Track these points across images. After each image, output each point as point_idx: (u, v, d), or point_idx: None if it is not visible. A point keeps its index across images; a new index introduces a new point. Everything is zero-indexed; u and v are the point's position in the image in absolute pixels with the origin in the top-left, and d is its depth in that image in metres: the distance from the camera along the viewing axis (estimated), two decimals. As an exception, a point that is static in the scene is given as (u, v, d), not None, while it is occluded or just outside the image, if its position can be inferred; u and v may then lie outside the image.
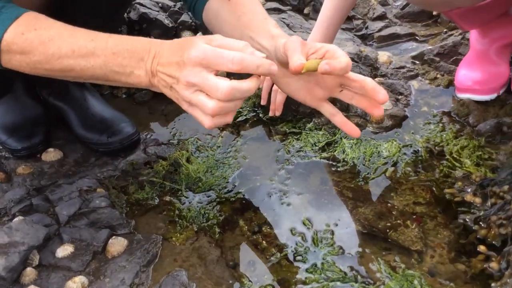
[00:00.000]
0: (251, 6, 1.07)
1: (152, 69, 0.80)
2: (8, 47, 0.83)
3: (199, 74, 0.75)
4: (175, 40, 0.82)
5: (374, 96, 0.86)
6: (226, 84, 0.74)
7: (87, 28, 1.05)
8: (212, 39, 0.78)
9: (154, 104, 1.53)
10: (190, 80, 0.76)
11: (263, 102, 1.38)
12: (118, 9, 1.25)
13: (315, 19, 1.39)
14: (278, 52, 0.93)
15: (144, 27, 1.60)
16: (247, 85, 0.76)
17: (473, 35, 1.39)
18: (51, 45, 0.83)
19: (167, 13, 1.66)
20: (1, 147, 1.26)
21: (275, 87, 1.32)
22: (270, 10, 1.80)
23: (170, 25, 1.60)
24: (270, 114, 1.36)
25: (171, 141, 1.35)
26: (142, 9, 1.61)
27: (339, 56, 0.84)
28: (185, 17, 1.62)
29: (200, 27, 1.57)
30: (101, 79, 0.85)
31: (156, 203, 1.15)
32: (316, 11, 1.81)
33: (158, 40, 0.84)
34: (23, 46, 0.83)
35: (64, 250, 0.96)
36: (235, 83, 0.75)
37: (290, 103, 1.36)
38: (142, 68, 0.81)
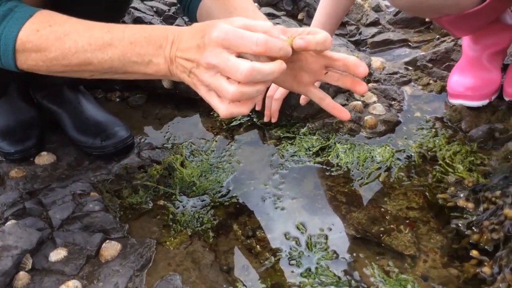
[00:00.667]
0: (241, 2, 1.07)
1: (171, 55, 0.78)
2: (23, 46, 0.82)
3: (219, 55, 0.72)
4: (195, 24, 0.80)
5: (355, 70, 0.85)
6: (247, 65, 0.71)
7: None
8: (234, 20, 0.76)
9: (148, 108, 1.53)
10: (211, 62, 0.73)
11: (258, 107, 1.39)
12: (116, 13, 1.25)
13: (309, 24, 1.40)
14: None
15: (139, 31, 1.60)
16: (270, 67, 0.73)
17: (466, 41, 1.40)
18: (67, 39, 0.81)
19: (161, 18, 1.66)
20: (-6, 151, 1.25)
21: (269, 93, 1.33)
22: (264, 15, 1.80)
23: (165, 29, 1.60)
24: (265, 119, 1.37)
25: (165, 145, 1.35)
26: (137, 13, 1.61)
27: (317, 33, 0.82)
28: (179, 21, 1.62)
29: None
30: (119, 71, 0.84)
31: (150, 207, 1.14)
32: (310, 16, 1.83)
33: (175, 26, 0.82)
34: (39, 43, 0.82)
35: (57, 254, 0.95)
36: (257, 64, 0.72)
37: (285, 108, 1.37)
38: (161, 55, 0.79)
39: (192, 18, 1.16)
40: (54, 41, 0.82)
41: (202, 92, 0.78)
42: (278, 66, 0.74)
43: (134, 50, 0.80)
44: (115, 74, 0.85)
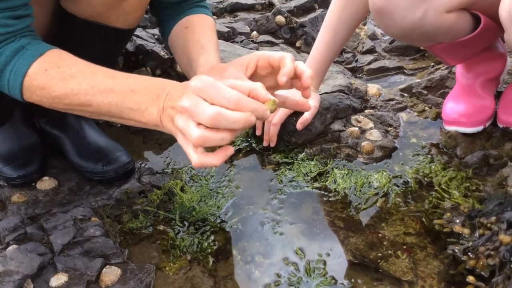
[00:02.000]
0: (197, 35, 1.15)
1: (164, 105, 0.82)
2: (30, 82, 0.88)
3: (192, 98, 0.76)
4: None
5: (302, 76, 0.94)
6: (213, 109, 0.74)
7: (87, 59, 1.08)
8: (225, 78, 0.81)
9: (148, 133, 1.55)
10: (184, 105, 0.77)
11: (258, 132, 1.41)
12: (120, 44, 1.28)
13: (307, 52, 1.44)
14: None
15: (140, 58, 1.64)
16: (237, 116, 0.75)
17: (459, 69, 1.44)
18: (72, 81, 0.86)
19: (163, 45, 1.70)
20: (-4, 176, 1.26)
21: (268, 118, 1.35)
22: (263, 43, 1.85)
23: (166, 56, 1.64)
24: (264, 144, 1.39)
25: (165, 170, 1.37)
26: (139, 41, 1.65)
27: (285, 64, 0.90)
28: (180, 48, 1.65)
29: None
30: (116, 116, 0.88)
31: (150, 232, 1.15)
32: (308, 44, 1.87)
33: (176, 82, 0.86)
34: (44, 82, 0.87)
35: (58, 279, 0.96)
36: (224, 110, 0.74)
37: (283, 134, 1.39)
38: (156, 105, 0.83)
39: (165, 41, 1.25)
40: (59, 81, 0.87)
41: (179, 140, 0.81)
42: (245, 116, 0.75)
43: (133, 98, 0.84)
44: (112, 118, 0.90)
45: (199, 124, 0.76)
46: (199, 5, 1.25)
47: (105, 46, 1.18)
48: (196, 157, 0.79)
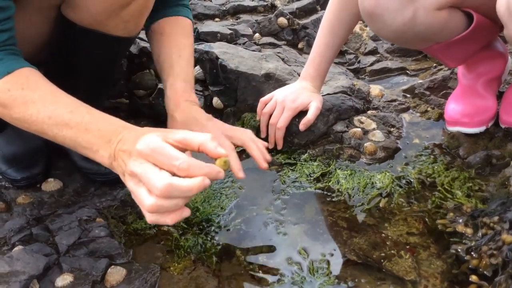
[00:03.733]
0: (169, 48, 1.23)
1: (115, 152, 0.81)
2: None
3: (141, 165, 0.75)
4: (144, 128, 0.83)
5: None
6: (164, 181, 0.72)
7: (88, 66, 1.09)
8: (174, 132, 0.79)
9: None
10: (133, 170, 0.75)
11: (262, 135, 1.42)
12: (121, 50, 1.29)
13: (309, 53, 1.44)
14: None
15: (144, 60, 1.65)
16: (189, 184, 0.73)
17: (460, 70, 1.44)
18: (32, 107, 0.87)
19: (166, 47, 1.70)
20: (1, 177, 1.27)
21: (272, 121, 1.36)
22: (265, 45, 1.85)
23: (169, 58, 1.64)
24: (270, 146, 1.40)
25: (169, 171, 1.37)
26: (142, 43, 1.66)
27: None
28: (183, 50, 1.66)
29: (198, 61, 1.62)
30: (69, 147, 0.89)
31: (154, 232, 1.16)
32: (310, 45, 1.87)
33: (134, 127, 0.85)
34: (6, 102, 0.88)
35: (63, 280, 0.97)
36: (175, 180, 0.72)
37: (286, 135, 1.40)
38: (107, 150, 0.83)
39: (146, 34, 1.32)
40: (20, 105, 0.87)
41: (132, 196, 0.81)
42: (198, 183, 0.73)
43: (86, 137, 0.85)
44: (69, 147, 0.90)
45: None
46: (180, 3, 1.29)
47: (105, 54, 1.19)
48: (148, 215, 0.77)
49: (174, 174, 0.74)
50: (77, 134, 0.85)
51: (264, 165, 1.16)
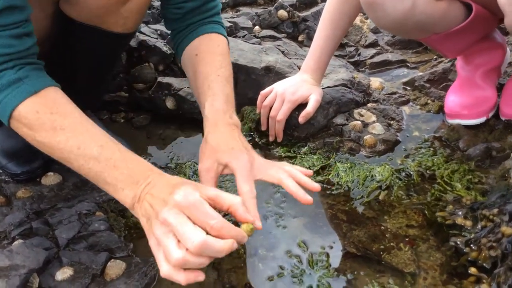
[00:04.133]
0: (205, 68, 1.13)
1: (140, 194, 0.81)
2: (18, 117, 0.87)
3: (177, 216, 0.75)
4: (175, 177, 0.84)
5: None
6: (201, 237, 0.72)
7: (88, 62, 1.09)
8: (207, 189, 0.79)
9: (152, 129, 1.56)
10: (167, 219, 0.75)
11: (263, 127, 1.42)
12: (120, 46, 1.29)
13: (309, 46, 1.43)
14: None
15: (143, 53, 1.64)
16: (221, 246, 0.74)
17: (459, 62, 1.44)
18: (61, 134, 0.86)
19: (165, 40, 1.70)
20: (1, 171, 1.27)
21: (272, 114, 1.36)
22: (265, 38, 1.85)
23: (168, 52, 1.64)
24: (270, 139, 1.40)
25: (168, 165, 1.37)
26: (141, 37, 1.65)
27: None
28: (182, 44, 1.66)
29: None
30: (90, 179, 0.88)
31: (154, 226, 1.16)
32: (310, 38, 1.87)
33: (162, 172, 0.85)
34: (33, 124, 0.86)
35: (63, 273, 0.97)
36: (210, 238, 0.73)
37: (286, 128, 1.39)
38: (133, 190, 0.83)
39: (178, 60, 1.24)
40: (48, 129, 0.86)
41: (151, 243, 0.80)
42: (228, 246, 0.74)
43: (113, 174, 0.84)
44: (85, 176, 0.89)
45: (179, 241, 0.75)
46: (212, 21, 1.21)
47: (104, 50, 1.18)
48: (166, 269, 0.76)
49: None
50: (105, 169, 0.84)
51: (306, 198, 0.97)
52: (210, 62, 1.14)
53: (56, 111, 0.87)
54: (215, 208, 0.79)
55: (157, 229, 0.77)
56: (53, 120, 0.86)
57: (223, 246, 0.74)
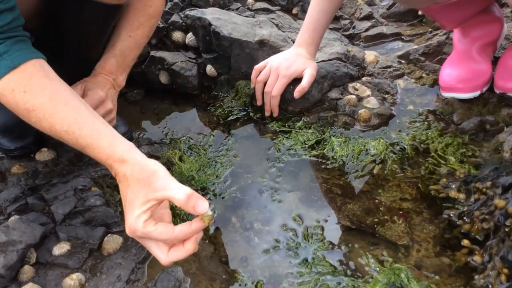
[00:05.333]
0: (122, 23, 1.22)
1: (118, 177, 0.87)
2: None
3: (141, 240, 0.84)
4: (130, 176, 0.84)
5: None
6: (166, 259, 0.83)
7: (79, 36, 1.07)
8: (151, 194, 0.80)
9: (145, 103, 1.55)
10: (140, 241, 0.85)
11: (258, 103, 1.42)
12: (110, 17, 1.26)
13: (304, 19, 1.42)
14: None
15: (135, 27, 1.61)
16: (184, 254, 0.83)
17: (456, 35, 1.43)
18: (33, 115, 0.89)
19: (157, 13, 1.67)
20: (-6, 147, 1.27)
21: (266, 89, 1.36)
22: (259, 10, 1.82)
23: (161, 25, 1.62)
24: (266, 114, 1.40)
25: (163, 140, 1.37)
26: (133, 9, 1.62)
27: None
28: (175, 17, 1.63)
29: (190, 28, 1.59)
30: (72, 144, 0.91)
31: (150, 201, 1.17)
32: (304, 11, 1.84)
33: (121, 167, 0.86)
34: (11, 103, 0.90)
35: (60, 248, 0.98)
36: (174, 256, 0.82)
37: (280, 103, 1.39)
38: (110, 168, 0.89)
39: None
40: (23, 110, 0.90)
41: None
42: (192, 248, 0.83)
43: (86, 151, 0.90)
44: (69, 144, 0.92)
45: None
46: None
47: (93, 21, 1.16)
48: (164, 257, 0.83)
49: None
50: (78, 147, 0.90)
51: None
52: (130, 20, 1.20)
53: (30, 89, 0.89)
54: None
55: (132, 235, 0.83)
56: (26, 101, 0.88)
57: (187, 253, 0.82)
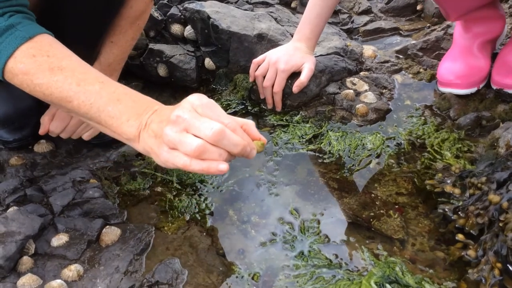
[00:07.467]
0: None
1: (147, 120, 0.80)
2: (14, 64, 0.84)
3: (191, 113, 0.75)
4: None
5: None
6: (219, 125, 0.73)
7: (79, 25, 1.06)
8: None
9: (144, 95, 1.54)
10: (181, 115, 0.74)
11: (261, 96, 1.42)
12: (111, 4, 1.26)
13: (302, 13, 1.42)
14: None
15: (134, 19, 1.61)
16: (238, 138, 0.76)
17: (457, 30, 1.43)
18: (59, 73, 0.83)
19: (156, 6, 1.67)
20: (-8, 139, 1.27)
21: (265, 84, 1.37)
22: (258, 4, 1.82)
23: (160, 18, 1.62)
24: (269, 107, 1.41)
25: (161, 133, 1.37)
26: (132, 2, 1.62)
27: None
28: (174, 10, 1.63)
29: (189, 21, 1.59)
30: (91, 119, 0.85)
31: (148, 193, 1.17)
32: (303, 4, 1.84)
33: (166, 106, 0.84)
34: (30, 68, 0.84)
35: (59, 239, 0.98)
36: (227, 129, 0.74)
37: (278, 96, 1.40)
38: (138, 119, 0.81)
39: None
40: (45, 71, 0.83)
41: (164, 153, 0.78)
42: (244, 143, 0.76)
43: (117, 106, 0.82)
44: (87, 119, 0.87)
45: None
46: None
47: (92, 6, 1.16)
48: (184, 159, 0.75)
49: None
50: (108, 103, 0.82)
51: None
52: (112, 24, 1.19)
53: (53, 54, 0.85)
54: None
55: (169, 132, 0.75)
56: (51, 62, 0.84)
57: (240, 140, 0.76)
